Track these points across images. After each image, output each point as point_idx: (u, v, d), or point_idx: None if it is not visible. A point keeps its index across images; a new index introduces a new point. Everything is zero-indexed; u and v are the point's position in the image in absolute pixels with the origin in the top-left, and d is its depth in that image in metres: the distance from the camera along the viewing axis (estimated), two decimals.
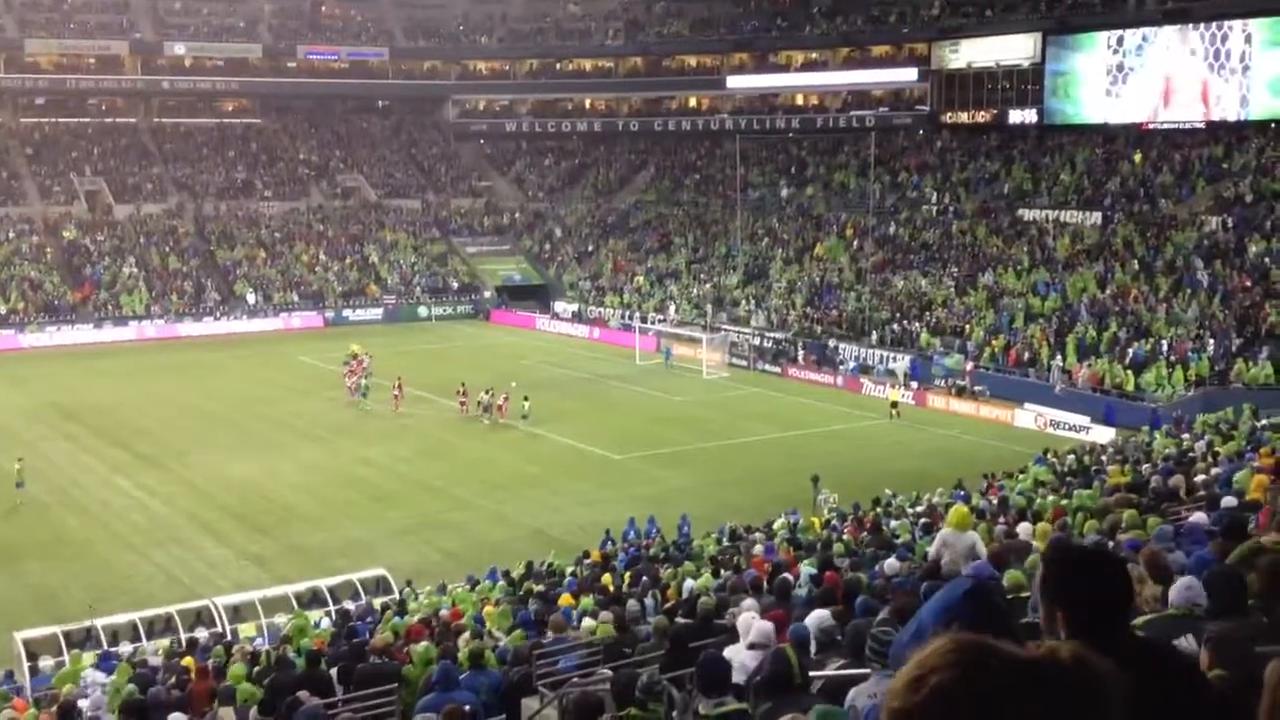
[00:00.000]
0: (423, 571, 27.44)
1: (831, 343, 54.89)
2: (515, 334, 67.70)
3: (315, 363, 56.25)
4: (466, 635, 14.74)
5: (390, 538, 31.20)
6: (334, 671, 13.19)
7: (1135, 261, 51.65)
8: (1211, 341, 44.01)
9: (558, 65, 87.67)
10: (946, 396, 47.25)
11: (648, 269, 71.25)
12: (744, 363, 55.85)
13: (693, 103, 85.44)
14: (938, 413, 46.21)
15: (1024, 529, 14.90)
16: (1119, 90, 61.27)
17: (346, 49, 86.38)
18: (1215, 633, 4.89)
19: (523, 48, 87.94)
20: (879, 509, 25.45)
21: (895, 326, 54.16)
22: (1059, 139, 65.19)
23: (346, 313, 70.46)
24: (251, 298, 69.77)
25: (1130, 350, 44.97)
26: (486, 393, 44.75)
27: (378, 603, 23.18)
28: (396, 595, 23.97)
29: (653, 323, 62.58)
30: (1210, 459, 20.58)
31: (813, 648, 7.95)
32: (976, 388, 46.96)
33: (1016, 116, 66.69)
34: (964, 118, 69.98)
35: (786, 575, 13.85)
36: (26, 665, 21.53)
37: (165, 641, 21.83)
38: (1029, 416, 43.63)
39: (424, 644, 14.01)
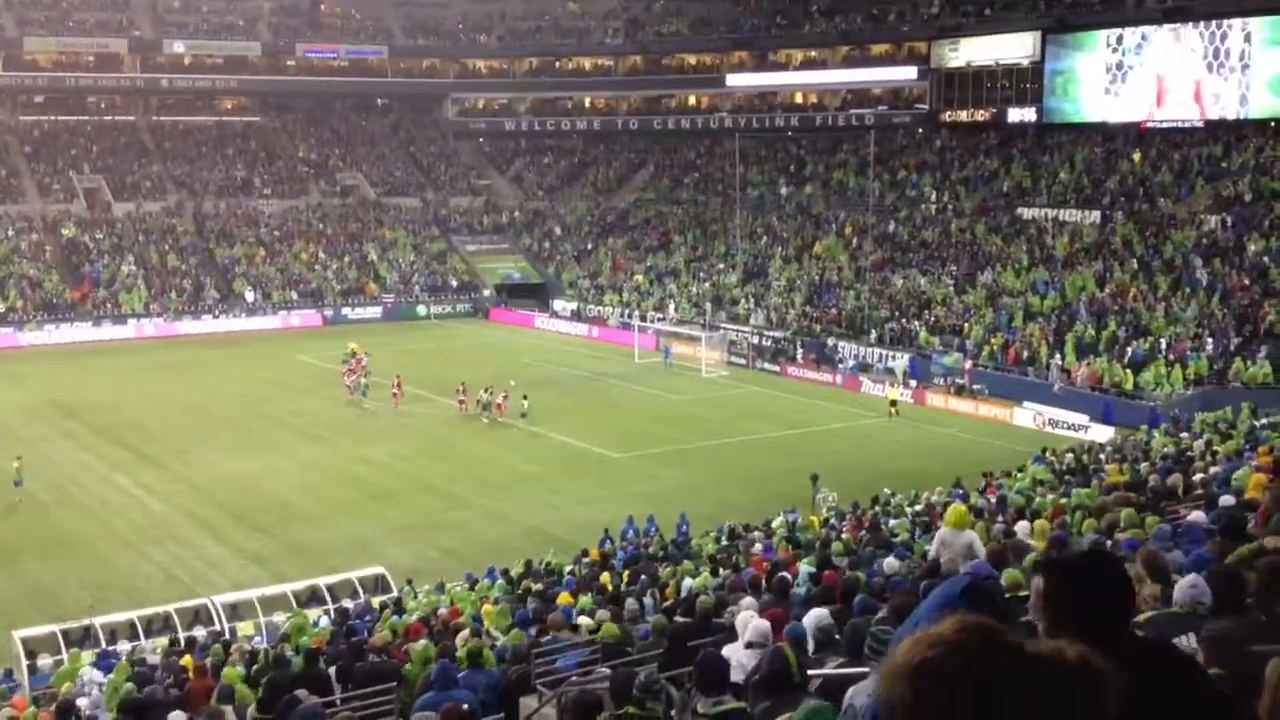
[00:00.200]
0: (421, 570, 27.44)
1: (830, 341, 54.90)
2: (514, 332, 67.70)
3: (314, 361, 56.22)
4: (465, 634, 14.73)
5: (389, 536, 31.19)
6: (332, 670, 13.19)
7: (1134, 260, 51.66)
8: (1210, 340, 44.02)
9: (557, 64, 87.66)
10: (945, 395, 47.25)
11: (647, 267, 71.25)
12: (743, 361, 55.85)
13: (692, 101, 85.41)
14: (936, 411, 46.22)
15: (1022, 528, 14.91)
16: (1118, 89, 61.27)
17: (346, 47, 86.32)
18: (1211, 631, 4.89)
19: (522, 46, 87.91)
20: (877, 508, 25.45)
21: (894, 325, 54.17)
22: (1058, 138, 65.19)
23: (345, 311, 70.44)
24: (250, 296, 69.75)
25: (1129, 349, 44.98)
26: (485, 391, 44.75)
27: (376, 601, 23.18)
28: (395, 594, 23.97)
29: (652, 321, 62.58)
30: (1209, 458, 20.59)
31: (810, 646, 7.94)
32: (975, 386, 46.97)
33: (1016, 115, 66.69)
34: (963, 116, 69.98)
35: (785, 574, 13.85)
36: (25, 664, 21.52)
37: (164, 640, 21.82)
38: (1028, 415, 43.64)
39: (422, 642, 14.00)
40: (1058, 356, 46.10)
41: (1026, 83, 65.85)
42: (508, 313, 72.31)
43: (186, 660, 16.79)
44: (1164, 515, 13.31)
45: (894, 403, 45.61)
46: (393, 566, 26.86)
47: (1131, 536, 11.54)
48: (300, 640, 16.78)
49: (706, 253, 71.14)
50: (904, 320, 54.33)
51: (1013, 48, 66.37)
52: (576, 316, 68.68)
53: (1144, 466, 21.39)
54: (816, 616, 8.56)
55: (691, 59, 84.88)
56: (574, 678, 10.13)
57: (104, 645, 21.92)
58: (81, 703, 14.74)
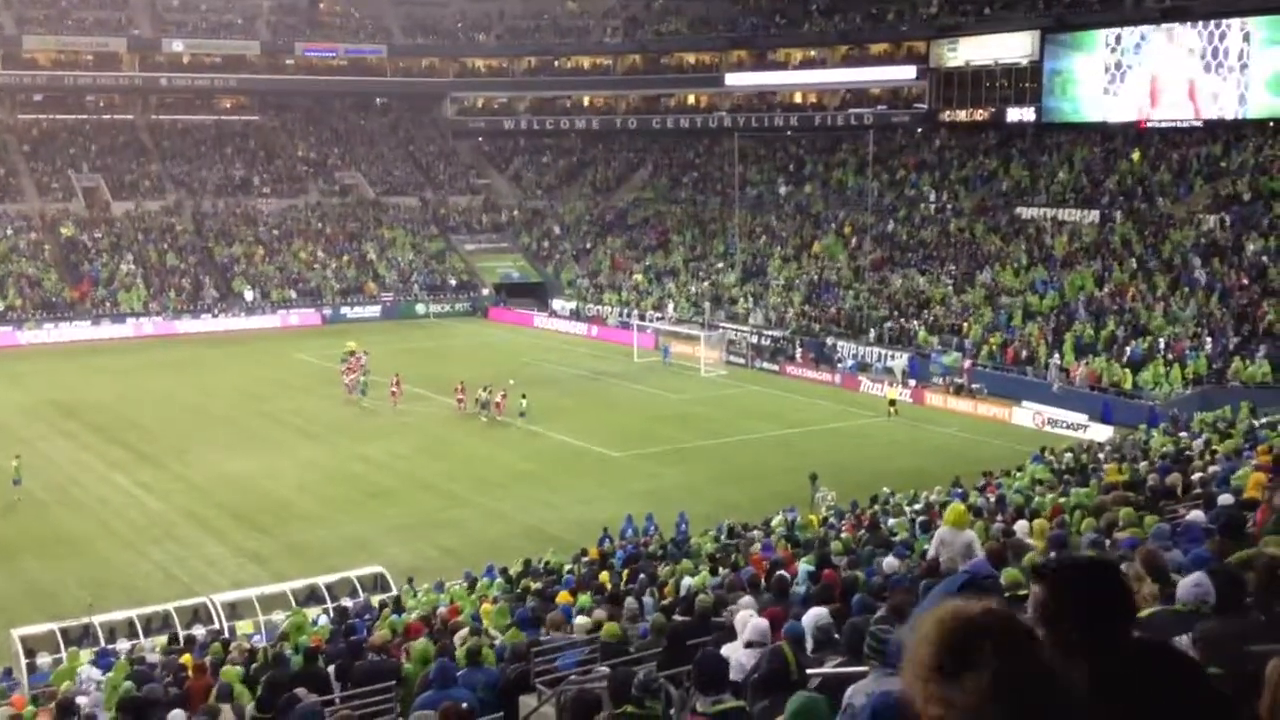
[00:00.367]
0: (420, 569, 27.43)
1: (829, 341, 54.90)
2: (513, 331, 67.70)
3: (313, 360, 56.22)
4: (464, 633, 14.73)
5: (388, 535, 31.20)
6: (331, 669, 13.19)
7: (1133, 260, 51.66)
8: (1209, 340, 44.03)
9: (556, 63, 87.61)
10: (944, 394, 47.26)
11: (646, 267, 71.24)
12: (742, 360, 55.85)
13: (691, 100, 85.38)
14: (935, 411, 46.22)
15: (1021, 527, 14.91)
16: (1117, 89, 61.26)
17: (345, 46, 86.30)
18: (1203, 632, 4.89)
19: (521, 45, 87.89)
20: (876, 507, 25.46)
21: (893, 324, 54.17)
22: (1057, 137, 65.20)
23: (344, 310, 70.44)
24: (249, 295, 69.74)
25: (1128, 348, 44.99)
26: (484, 390, 44.76)
27: (375, 600, 23.19)
28: (394, 593, 23.97)
29: (651, 320, 62.58)
30: (1208, 457, 20.58)
31: (809, 645, 7.94)
32: (974, 386, 46.97)
33: (1014, 115, 66.68)
34: (962, 116, 69.97)
35: (784, 573, 13.84)
36: (24, 662, 21.52)
37: (163, 639, 21.82)
38: (1026, 414, 43.65)
39: (422, 641, 14.00)
40: (1056, 356, 46.10)
41: (1025, 82, 65.84)
42: (507, 312, 72.31)
43: (186, 659, 16.78)
44: (1163, 514, 13.31)
45: (893, 402, 45.62)
46: (392, 565, 26.86)
47: (1130, 536, 11.54)
48: (299, 639, 16.78)
49: (705, 252, 71.15)
50: (903, 320, 54.33)
51: (1012, 47, 66.37)
52: (575, 315, 68.69)
53: (1143, 466, 21.39)
54: (815, 615, 8.56)
55: (690, 58, 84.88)
56: (573, 676, 10.13)
57: (103, 644, 21.92)
58: (81, 701, 14.74)
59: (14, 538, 30.97)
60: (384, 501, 34.32)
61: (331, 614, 20.74)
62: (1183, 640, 4.81)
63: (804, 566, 14.96)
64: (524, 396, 44.22)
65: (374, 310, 71.16)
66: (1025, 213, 60.13)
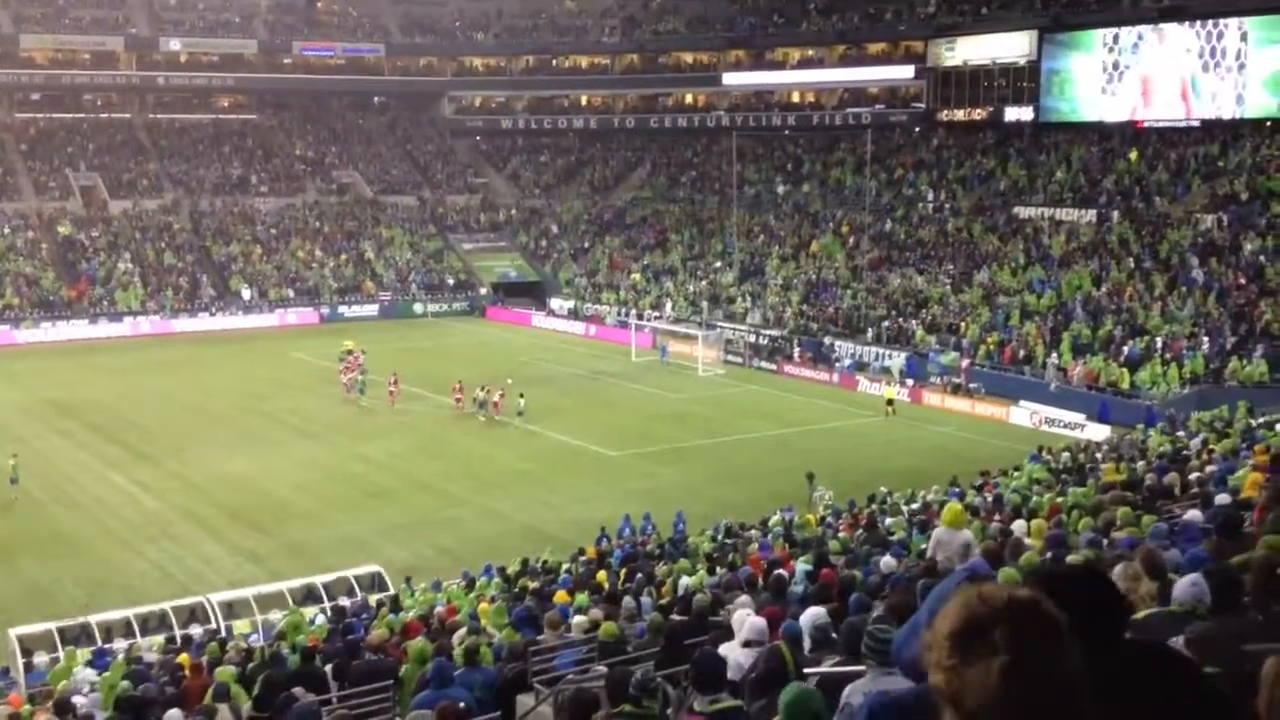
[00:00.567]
0: (418, 568, 27.44)
1: (827, 340, 54.91)
2: (511, 331, 67.69)
3: (311, 359, 56.19)
4: (462, 632, 14.72)
5: (385, 534, 31.18)
6: (329, 668, 13.18)
7: (1130, 259, 51.70)
8: (1206, 339, 44.06)
9: (554, 62, 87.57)
10: (942, 394, 47.28)
11: (644, 266, 71.24)
12: (740, 360, 55.86)
13: (689, 100, 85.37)
14: (933, 410, 46.24)
15: (1019, 526, 14.91)
16: (1114, 88, 61.29)
17: (342, 45, 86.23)
18: (1196, 632, 4.89)
19: (519, 44, 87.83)
20: (874, 506, 25.47)
21: (891, 324, 54.18)
22: (1055, 137, 65.23)
23: (342, 309, 70.40)
24: (247, 294, 69.71)
25: (1125, 348, 45.02)
26: (482, 389, 44.74)
27: (373, 599, 23.18)
28: (392, 592, 23.96)
29: (649, 320, 62.57)
30: (1205, 457, 20.59)
31: (807, 645, 7.94)
32: (972, 385, 46.99)
33: (1012, 114, 66.70)
34: (960, 115, 69.99)
35: (782, 572, 13.85)
36: (21, 662, 21.50)
37: (160, 638, 21.81)
38: (1024, 414, 43.66)
39: (419, 640, 13.99)
40: (1054, 355, 46.13)
41: (1023, 82, 65.85)
42: (504, 311, 72.28)
43: (183, 658, 16.77)
44: (1160, 514, 13.33)
45: (890, 401, 45.62)
46: (389, 565, 26.84)
47: (1128, 535, 11.55)
48: (296, 638, 16.78)
49: (703, 251, 71.15)
50: (901, 319, 54.35)
51: (1009, 47, 66.39)
52: (573, 315, 68.68)
53: (1140, 465, 21.43)
54: (813, 615, 8.56)
55: (688, 57, 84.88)
56: (571, 676, 10.12)
57: (100, 643, 21.90)
58: (77, 700, 14.72)
59: (11, 537, 30.94)
60: (382, 501, 34.30)
61: (329, 613, 20.74)
62: (1178, 641, 4.81)
63: (802, 566, 14.97)
64: (522, 396, 44.21)
65: (372, 309, 71.13)
66: (1023, 212, 60.16)
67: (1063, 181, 60.90)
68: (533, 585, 19.90)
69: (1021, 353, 47.77)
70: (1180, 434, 28.31)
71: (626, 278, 70.38)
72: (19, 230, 70.26)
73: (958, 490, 25.81)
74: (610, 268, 72.76)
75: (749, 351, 56.25)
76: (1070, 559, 10.11)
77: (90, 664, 19.29)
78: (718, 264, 68.32)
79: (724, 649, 8.10)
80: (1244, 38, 55.63)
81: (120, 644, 21.64)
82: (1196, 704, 2.59)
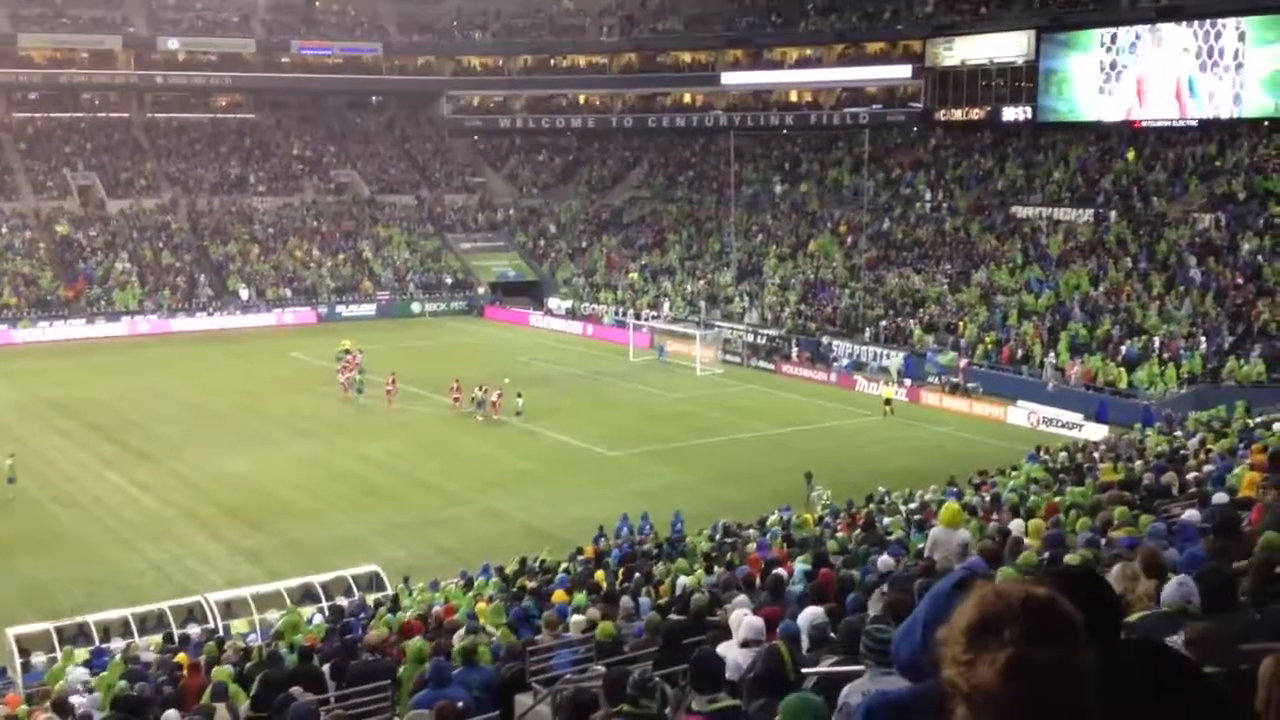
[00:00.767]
0: (416, 568, 27.44)
1: (825, 339, 54.93)
2: (509, 330, 67.68)
3: (308, 359, 56.17)
4: (461, 631, 14.73)
5: (384, 533, 31.17)
6: (326, 668, 13.17)
7: (1128, 259, 51.73)
8: (1204, 339, 44.10)
9: (552, 61, 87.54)
10: (940, 393, 47.29)
11: (641, 265, 71.24)
12: (738, 359, 55.87)
13: (687, 99, 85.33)
14: (931, 410, 46.25)
15: (1016, 526, 14.91)
16: (1112, 88, 61.31)
17: (340, 44, 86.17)
18: (1195, 632, 4.90)
19: (517, 43, 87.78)
20: (872, 506, 25.48)
21: (888, 323, 54.20)
22: (1052, 136, 65.25)
23: (340, 308, 70.36)
24: (245, 293, 69.68)
25: (1123, 348, 45.05)
26: (480, 389, 44.71)
27: (371, 599, 23.17)
28: (390, 591, 23.95)
29: (646, 319, 62.57)
30: (1203, 456, 20.61)
31: (805, 644, 7.95)
32: (970, 385, 47.01)
33: (1010, 114, 66.71)
34: (958, 115, 70.00)
35: (780, 572, 13.85)
36: (19, 661, 21.49)
37: (158, 638, 21.81)
38: (1022, 414, 43.68)
39: (417, 640, 13.99)
40: (1052, 355, 46.16)
41: (1021, 82, 65.86)
42: (502, 310, 72.28)
43: (181, 658, 16.77)
44: (1158, 513, 13.34)
45: (888, 401, 45.61)
46: (388, 564, 26.83)
47: (1127, 535, 11.56)
48: (294, 638, 16.78)
49: (701, 251, 71.15)
50: (898, 319, 54.37)
51: (1007, 47, 66.39)
52: (571, 314, 68.67)
53: (1138, 465, 21.44)
54: (811, 614, 8.57)
55: (686, 57, 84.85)
56: (569, 675, 10.13)
57: (97, 643, 21.89)
58: (75, 700, 14.71)
59: (8, 536, 30.91)
60: (380, 500, 34.29)
61: (326, 613, 20.74)
62: (1173, 640, 4.81)
63: (800, 565, 14.97)
64: (520, 395, 44.22)
65: (369, 309, 71.11)
66: (1020, 212, 60.18)
67: (1060, 181, 60.93)
68: (531, 585, 19.91)
69: (1019, 352, 47.80)
70: (1178, 433, 28.34)
71: (624, 277, 70.37)
72: (16, 230, 70.21)
73: (955, 490, 25.82)
74: (608, 267, 72.76)
75: (747, 351, 56.26)
76: (1068, 559, 10.11)
77: (87, 664, 19.27)
78: (715, 264, 68.25)
79: (722, 649, 8.10)
80: (1241, 37, 55.65)
81: (118, 643, 21.64)
82: (1195, 703, 2.59)
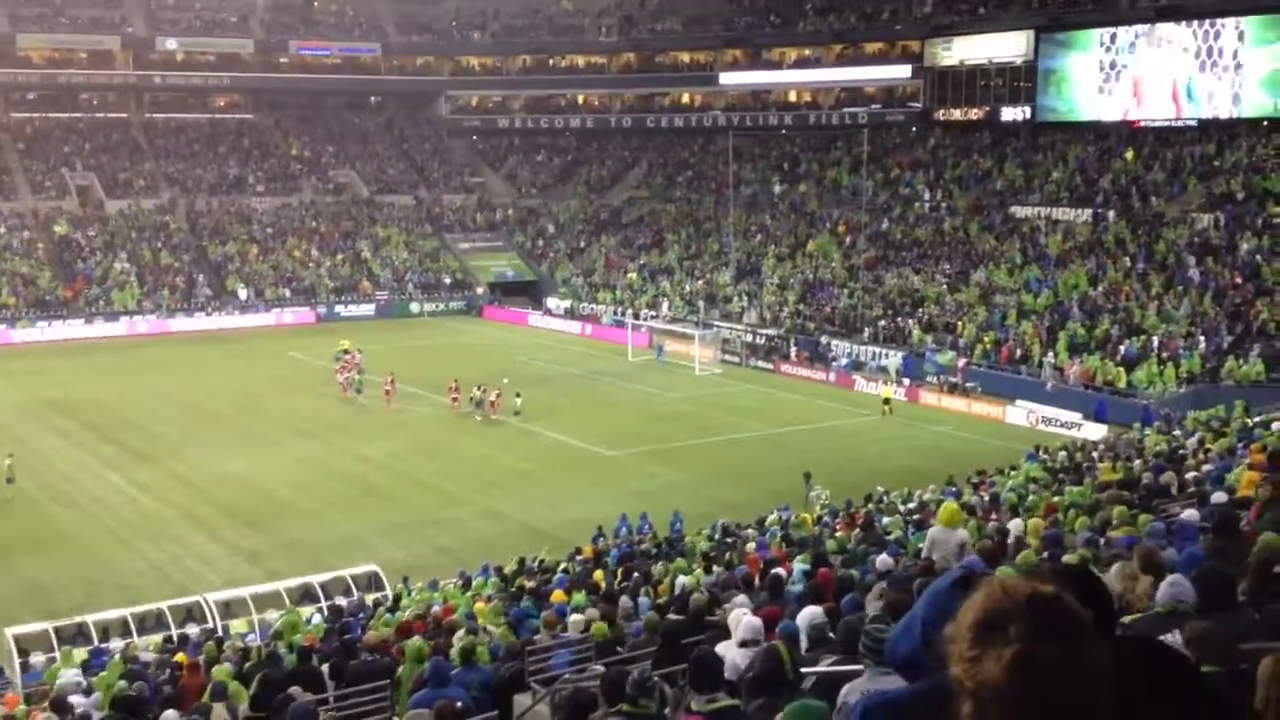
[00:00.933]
0: (415, 568, 27.41)
1: (824, 339, 54.94)
2: (508, 330, 67.67)
3: (307, 359, 56.16)
4: (460, 632, 14.72)
5: (383, 533, 31.16)
6: (325, 668, 13.17)
7: (1127, 259, 51.75)
8: (1203, 338, 44.13)
9: (550, 61, 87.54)
10: (938, 393, 47.30)
11: (640, 265, 71.24)
12: (736, 359, 55.88)
13: (685, 99, 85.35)
14: (930, 409, 46.26)
15: (1015, 525, 14.92)
16: (1111, 88, 61.32)
17: (339, 45, 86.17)
18: (1195, 631, 4.90)
19: (515, 44, 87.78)
20: (871, 505, 25.48)
21: (887, 323, 54.21)
22: (1051, 136, 65.26)
23: (339, 309, 70.35)
24: (243, 293, 69.66)
25: (1122, 347, 45.06)
26: (479, 389, 44.71)
27: (370, 599, 23.16)
28: (389, 591, 23.94)
29: (645, 319, 62.57)
30: (1201, 456, 20.62)
31: (804, 644, 7.95)
32: (968, 384, 47.02)
33: (1009, 114, 66.73)
34: (956, 115, 70.01)
35: (779, 571, 13.85)
36: (18, 661, 21.48)
37: (157, 637, 21.79)
38: (1021, 413, 43.70)
39: (416, 640, 13.99)
40: (1051, 355, 46.17)
41: (1020, 81, 65.87)
42: (501, 310, 72.28)
43: (180, 658, 16.76)
44: (1157, 513, 13.33)
45: (887, 401, 45.63)
46: (387, 564, 26.81)
47: (1126, 534, 11.56)
48: (293, 638, 16.76)
49: (700, 250, 71.15)
50: (897, 318, 54.38)
51: (1006, 47, 66.40)
52: (570, 314, 68.67)
53: (1137, 464, 21.43)
54: (810, 614, 8.57)
55: (685, 57, 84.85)
56: (567, 675, 10.13)
57: (96, 643, 21.88)
58: (75, 700, 14.69)
59: (8, 536, 30.90)
60: (379, 500, 34.28)
61: (326, 613, 20.73)
62: (1175, 639, 4.81)
63: (799, 565, 14.97)
64: (519, 395, 44.22)
65: (368, 309, 71.10)
66: (1019, 212, 60.21)
67: (1059, 181, 60.94)
68: (530, 584, 19.90)
69: (1018, 352, 47.81)
70: (1177, 433, 28.35)
71: (623, 277, 70.37)
72: (15, 230, 70.19)
73: (954, 489, 25.83)
74: (607, 267, 72.76)
75: (745, 351, 56.27)
76: (1067, 558, 10.12)
77: (85, 664, 19.25)
78: (714, 263, 68.25)
79: (721, 648, 8.10)
80: (1241, 37, 55.67)
81: (117, 643, 21.63)
82: (1193, 702, 2.60)
